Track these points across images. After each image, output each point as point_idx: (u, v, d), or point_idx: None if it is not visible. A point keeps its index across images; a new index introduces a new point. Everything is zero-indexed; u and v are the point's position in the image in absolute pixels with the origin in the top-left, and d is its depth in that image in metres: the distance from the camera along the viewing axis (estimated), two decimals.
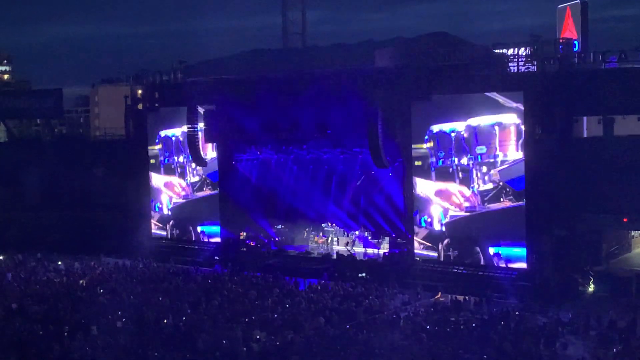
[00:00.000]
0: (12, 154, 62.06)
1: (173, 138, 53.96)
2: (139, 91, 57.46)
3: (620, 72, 39.89)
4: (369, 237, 48.26)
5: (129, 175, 55.19)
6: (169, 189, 54.72)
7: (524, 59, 40.89)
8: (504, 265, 40.51)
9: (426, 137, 42.65)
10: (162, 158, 54.86)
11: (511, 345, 28.22)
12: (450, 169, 42.12)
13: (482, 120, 40.80)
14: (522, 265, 39.97)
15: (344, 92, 43.44)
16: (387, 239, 47.13)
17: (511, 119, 39.96)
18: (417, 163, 43.25)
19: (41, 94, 70.87)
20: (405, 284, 40.89)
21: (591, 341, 30.06)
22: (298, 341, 29.50)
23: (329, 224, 50.15)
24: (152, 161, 55.26)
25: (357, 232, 49.02)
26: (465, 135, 41.40)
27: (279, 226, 52.10)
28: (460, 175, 41.79)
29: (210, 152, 52.17)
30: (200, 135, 50.88)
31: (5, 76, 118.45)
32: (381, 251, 46.75)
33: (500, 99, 40.15)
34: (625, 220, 40.74)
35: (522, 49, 41.33)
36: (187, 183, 53.76)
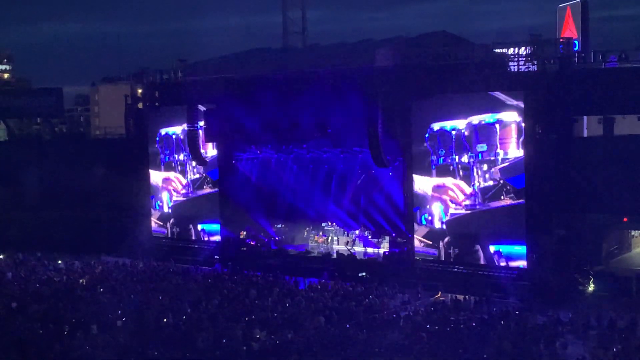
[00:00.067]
0: (12, 153, 62.05)
1: (173, 136, 53.98)
2: (139, 90, 57.49)
3: (621, 72, 39.91)
4: (369, 237, 48.26)
5: (129, 174, 55.17)
6: (167, 185, 54.72)
7: (524, 59, 40.87)
8: (504, 264, 40.50)
9: (427, 135, 42.65)
10: (162, 156, 54.89)
11: (511, 345, 28.23)
12: (451, 167, 42.13)
13: (483, 118, 40.81)
14: (523, 263, 39.96)
15: (344, 91, 43.43)
16: (387, 238, 47.14)
17: (512, 117, 39.97)
18: (418, 161, 43.24)
19: (41, 93, 70.87)
20: (405, 283, 40.87)
21: (591, 341, 30.07)
22: (298, 340, 29.52)
23: (329, 223, 50.15)
24: (154, 159, 55.35)
25: (357, 232, 49.02)
26: (466, 133, 41.41)
27: (279, 225, 52.11)
28: (461, 173, 41.81)
29: (210, 150, 52.17)
30: (201, 133, 50.87)
31: (6, 75, 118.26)
32: (381, 250, 46.75)
33: (501, 96, 40.16)
34: (625, 219, 40.77)
35: (523, 48, 41.32)
36: (187, 181, 53.76)
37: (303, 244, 50.60)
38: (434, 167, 42.68)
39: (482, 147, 41.01)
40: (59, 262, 48.96)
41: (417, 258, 43.48)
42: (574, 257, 39.80)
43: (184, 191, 54.00)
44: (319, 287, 40.17)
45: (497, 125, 40.47)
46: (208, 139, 51.16)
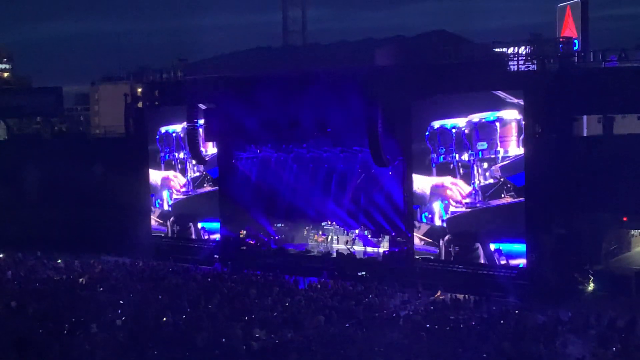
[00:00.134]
0: (12, 152, 62.08)
1: (173, 134, 54.00)
2: (139, 89, 57.51)
3: (621, 71, 39.90)
4: (369, 236, 48.28)
5: (129, 174, 55.18)
6: (167, 183, 54.74)
7: (524, 58, 40.86)
8: (504, 262, 40.50)
9: (427, 133, 42.66)
10: (162, 154, 54.92)
11: (511, 344, 28.22)
12: (451, 165, 42.14)
13: (483, 116, 40.82)
14: (523, 261, 39.98)
15: (344, 90, 43.42)
16: (387, 237, 47.16)
17: (512, 115, 39.98)
18: (418, 159, 43.24)
19: (41, 92, 70.88)
20: (405, 282, 40.88)
21: (591, 340, 30.03)
22: (298, 339, 29.51)
23: (329, 223, 50.19)
24: (154, 158, 55.38)
25: (357, 231, 49.05)
26: (467, 131, 41.42)
27: (279, 224, 52.13)
28: (461, 171, 41.82)
29: (210, 148, 52.17)
30: (201, 131, 50.87)
31: (5, 74, 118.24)
32: (381, 250, 46.76)
33: (502, 94, 40.19)
34: (625, 219, 40.80)
35: (522, 47, 41.31)
36: (186, 180, 53.77)
37: (303, 243, 50.63)
38: (434, 165, 42.69)
39: (482, 145, 41.03)
40: (59, 261, 48.97)
41: (417, 257, 43.50)
42: (574, 256, 39.83)
43: (184, 189, 54.02)
44: (319, 286, 40.18)
45: (497, 123, 40.49)
46: (208, 138, 51.18)
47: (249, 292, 37.99)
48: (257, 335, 30.14)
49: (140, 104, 56.83)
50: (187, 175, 53.68)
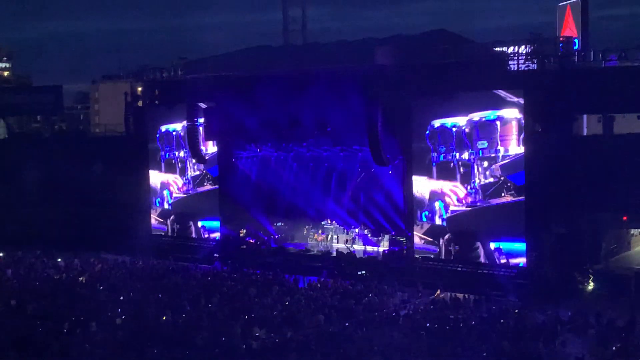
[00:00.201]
0: (12, 151, 62.09)
1: (174, 133, 54.00)
2: (139, 88, 57.51)
3: (621, 71, 39.90)
4: (369, 235, 48.27)
5: (129, 172, 55.20)
6: (166, 187, 54.77)
7: (524, 57, 40.85)
8: (504, 261, 40.49)
9: (427, 132, 42.66)
10: (162, 153, 54.92)
11: (510, 343, 28.22)
12: (452, 164, 42.14)
13: (483, 115, 40.81)
14: (523, 260, 39.96)
15: (344, 89, 43.41)
16: (386, 236, 47.16)
17: (512, 114, 39.97)
18: (418, 158, 43.25)
19: (41, 91, 71.00)
20: (405, 281, 40.89)
21: (590, 339, 30.04)
22: (297, 338, 29.51)
23: (329, 222, 50.17)
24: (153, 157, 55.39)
25: (356, 230, 49.03)
26: (467, 130, 41.42)
27: (279, 223, 52.13)
28: (462, 170, 41.82)
29: (210, 147, 52.16)
30: (201, 130, 50.86)
31: (5, 73, 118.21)
32: (381, 249, 46.76)
33: (502, 93, 40.16)
34: (624, 218, 40.82)
35: (522, 47, 41.28)
36: (183, 182, 53.77)
37: (303, 242, 50.62)
38: (434, 164, 42.69)
39: (482, 144, 41.04)
40: (59, 259, 48.94)
41: (417, 256, 43.50)
42: (574, 255, 39.83)
43: (184, 188, 54.03)
44: (319, 285, 40.18)
45: (497, 122, 40.48)
46: (208, 137, 51.18)
47: (249, 291, 38.00)
48: (257, 334, 30.15)
49: (140, 103, 56.82)
50: (187, 174, 53.68)
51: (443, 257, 42.67)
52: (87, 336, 30.25)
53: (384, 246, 46.89)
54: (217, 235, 52.25)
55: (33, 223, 56.03)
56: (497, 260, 40.79)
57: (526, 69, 40.76)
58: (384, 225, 47.16)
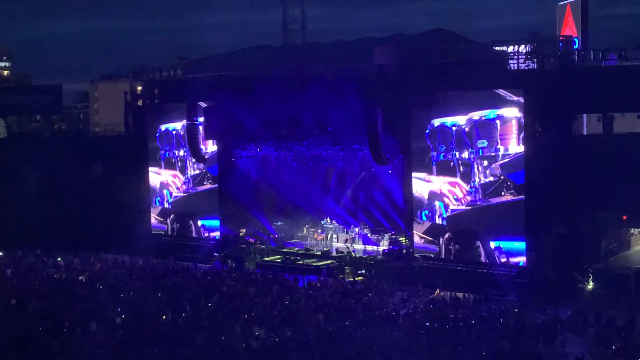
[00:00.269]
0: (11, 150, 62.05)
1: (173, 132, 53.97)
2: (139, 87, 57.52)
3: (620, 70, 39.91)
4: (369, 234, 48.26)
5: (128, 172, 55.20)
6: (167, 183, 54.76)
7: (524, 57, 40.86)
8: (505, 260, 40.49)
9: (427, 131, 42.66)
10: (162, 152, 54.91)
11: (510, 343, 28.24)
12: (452, 163, 42.13)
13: (483, 114, 40.80)
14: (523, 259, 39.94)
15: (344, 89, 43.39)
16: (386, 236, 47.15)
17: (512, 113, 39.95)
18: (418, 157, 43.25)
19: (41, 90, 71.03)
20: (405, 281, 40.90)
21: (590, 339, 30.07)
22: (297, 338, 29.52)
23: (329, 221, 50.15)
24: (152, 155, 55.36)
25: (356, 229, 49.03)
26: (467, 129, 41.40)
27: (279, 223, 52.12)
28: (462, 169, 41.81)
29: (210, 146, 52.14)
30: (200, 129, 50.84)
31: (5, 72, 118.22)
32: (380, 248, 46.75)
33: (502, 92, 40.14)
34: (624, 217, 40.84)
35: (522, 46, 41.30)
36: (183, 181, 53.75)
37: (302, 241, 50.58)
38: (434, 163, 42.68)
39: (482, 142, 41.03)
40: (58, 259, 48.97)
41: (417, 256, 43.50)
42: (573, 255, 39.85)
43: (184, 187, 54.02)
44: (318, 284, 40.18)
45: (497, 121, 40.46)
46: (207, 136, 51.16)
47: (249, 291, 38.00)
48: (257, 334, 30.16)
49: (139, 102, 56.81)
50: (187, 173, 53.67)
51: (443, 256, 42.66)
52: (87, 336, 30.26)
53: (383, 245, 46.86)
54: (217, 234, 52.25)
55: (33, 222, 56.04)
56: (497, 260, 40.78)
57: (526, 68, 40.77)
58: (384, 224, 47.15)
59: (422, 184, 43.10)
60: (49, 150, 59.38)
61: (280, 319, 32.46)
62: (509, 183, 40.35)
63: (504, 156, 40.46)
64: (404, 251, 44.54)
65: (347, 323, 31.97)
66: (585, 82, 39.71)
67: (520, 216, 39.98)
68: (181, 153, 53.78)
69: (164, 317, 33.02)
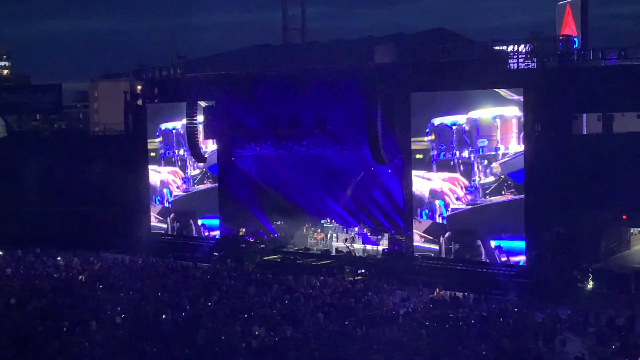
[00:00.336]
0: (11, 149, 62.04)
1: (173, 131, 53.96)
2: (139, 87, 57.53)
3: (620, 70, 39.93)
4: (368, 234, 48.25)
5: (128, 171, 55.20)
6: (167, 182, 54.77)
7: (523, 56, 40.88)
8: (505, 259, 40.51)
9: (427, 130, 42.66)
10: (162, 151, 54.91)
11: (509, 342, 28.24)
12: (452, 162, 42.14)
13: (483, 113, 40.80)
14: (524, 258, 39.97)
15: (344, 88, 43.42)
16: (386, 235, 47.15)
17: (513, 112, 39.96)
18: (418, 156, 43.22)
19: (40, 89, 70.98)
20: (404, 280, 40.91)
21: (590, 338, 30.10)
22: (297, 337, 29.52)
23: (328, 220, 50.14)
24: (152, 154, 55.33)
25: (356, 229, 49.01)
26: (467, 128, 41.41)
27: (278, 222, 52.10)
28: (462, 168, 41.81)
29: (210, 145, 52.13)
30: (200, 128, 50.83)
31: (5, 71, 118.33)
32: (380, 248, 46.76)
33: (502, 91, 40.15)
34: (624, 217, 40.89)
35: (522, 45, 41.31)
36: (183, 179, 53.73)
37: (302, 241, 50.58)
38: (434, 162, 42.69)
39: (482, 142, 41.04)
40: (58, 258, 48.95)
41: (416, 255, 43.51)
42: (573, 254, 39.86)
43: (184, 186, 54.02)
44: (318, 284, 40.17)
45: (497, 120, 40.48)
46: (207, 135, 51.16)
47: (248, 290, 38.00)
48: (256, 333, 30.16)
49: (139, 102, 56.82)
50: (187, 172, 53.67)
51: (443, 256, 42.68)
52: (86, 335, 30.24)
53: (383, 245, 46.86)
54: (217, 233, 52.27)
55: (32, 222, 56.07)
56: (497, 259, 40.80)
57: (526, 67, 40.80)
58: (384, 223, 47.15)
59: (423, 182, 43.10)
60: (49, 150, 59.36)
61: (280, 318, 32.46)
62: (509, 182, 40.36)
63: (504, 155, 40.46)
64: (404, 251, 44.53)
65: (346, 322, 31.96)
66: (585, 81, 39.73)
67: (520, 215, 40.00)
68: (181, 152, 53.77)
69: (163, 316, 33.01)
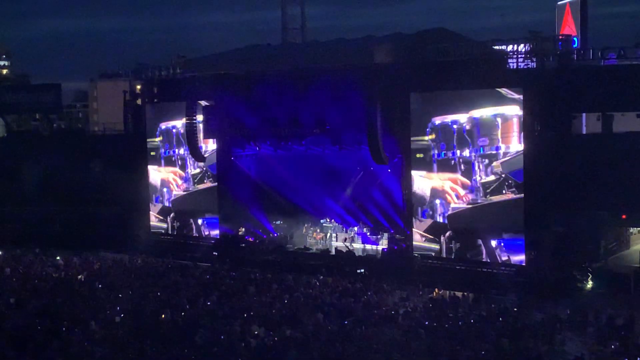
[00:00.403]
0: (10, 149, 62.03)
1: (174, 130, 53.94)
2: (138, 86, 57.49)
3: (620, 69, 39.95)
4: (368, 233, 48.25)
5: (128, 170, 55.17)
6: (166, 185, 54.77)
7: (523, 56, 40.89)
8: (506, 258, 40.50)
9: (428, 129, 42.66)
10: (162, 150, 54.89)
11: (509, 342, 28.23)
12: (452, 161, 42.14)
13: (484, 112, 40.81)
14: (524, 257, 39.99)
15: (343, 88, 43.43)
16: (385, 235, 47.15)
17: (513, 111, 39.96)
18: (419, 155, 43.22)
19: (40, 89, 70.92)
20: (404, 280, 40.88)
21: (589, 337, 30.09)
22: (296, 337, 29.50)
23: (328, 220, 50.14)
24: (152, 153, 55.32)
25: (355, 228, 49.02)
26: (467, 127, 41.41)
27: (278, 222, 52.09)
28: (463, 167, 41.81)
29: (210, 144, 52.11)
30: (200, 127, 50.82)
31: (4, 71, 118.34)
32: (380, 247, 46.75)
33: (503, 90, 40.14)
34: (623, 217, 40.84)
35: (522, 45, 41.32)
36: (183, 179, 53.71)
37: (301, 240, 50.59)
38: (435, 161, 42.68)
39: (483, 141, 41.04)
40: (58, 257, 48.91)
41: (416, 254, 43.51)
42: (573, 254, 39.85)
43: (184, 185, 54.00)
44: (317, 283, 40.15)
45: (498, 119, 40.49)
46: (207, 135, 51.15)
47: (248, 290, 37.99)
48: (256, 332, 30.14)
49: (139, 101, 56.81)
50: (188, 171, 53.65)
51: (444, 255, 42.69)
52: (86, 334, 30.22)
53: (383, 244, 46.86)
54: (216, 232, 52.25)
55: (32, 221, 56.02)
56: (498, 258, 40.81)
57: (525, 67, 40.80)
58: (383, 223, 47.15)
59: (424, 181, 43.08)
60: (48, 149, 59.31)
61: (279, 318, 32.45)
62: (510, 181, 40.37)
63: (504, 154, 40.47)
64: (403, 250, 44.51)
65: (346, 322, 31.94)
66: (585, 81, 39.75)
67: (521, 214, 39.99)
68: (181, 151, 53.74)
69: (163, 315, 33.00)
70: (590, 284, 39.16)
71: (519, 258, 40.18)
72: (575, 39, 45.48)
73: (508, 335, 29.25)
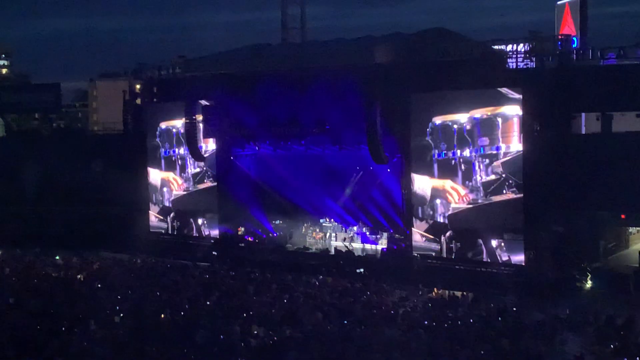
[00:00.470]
0: (10, 149, 62.00)
1: (174, 130, 53.94)
2: (138, 86, 57.49)
3: (619, 69, 39.98)
4: (367, 233, 48.28)
5: (128, 170, 55.16)
6: (166, 184, 54.76)
7: (522, 55, 40.91)
8: (506, 258, 40.52)
9: (428, 129, 42.67)
10: (162, 150, 54.89)
11: (508, 342, 28.23)
12: (453, 161, 42.15)
13: (484, 112, 40.81)
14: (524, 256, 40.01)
15: (343, 88, 43.42)
16: (385, 234, 47.18)
17: (514, 110, 39.96)
18: (419, 155, 43.19)
19: (40, 89, 70.91)
20: (404, 279, 40.91)
21: (589, 337, 30.07)
22: (296, 336, 29.51)
23: (327, 220, 50.16)
24: (152, 153, 55.28)
25: (355, 228, 49.05)
26: (468, 127, 41.42)
27: (277, 222, 52.11)
28: (463, 167, 41.82)
29: (211, 144, 52.11)
30: (200, 127, 50.82)
31: (4, 70, 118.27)
32: (379, 247, 46.77)
33: (503, 90, 40.15)
34: (623, 216, 40.87)
35: (521, 45, 41.34)
36: (183, 180, 53.71)
37: (301, 240, 50.62)
38: (435, 161, 42.69)
39: (483, 141, 41.05)
40: (57, 257, 48.92)
41: (416, 254, 43.53)
42: (572, 253, 39.86)
43: (184, 185, 54.01)
44: (317, 283, 40.16)
45: (498, 119, 40.49)
46: (206, 135, 51.17)
47: (247, 289, 38.00)
48: (256, 332, 30.14)
49: (138, 101, 56.82)
50: (188, 171, 53.66)
51: (444, 255, 42.70)
52: (85, 334, 30.21)
53: (382, 244, 46.88)
54: (216, 232, 52.26)
55: (31, 221, 56.03)
56: (499, 258, 40.82)
57: (525, 67, 40.83)
58: (383, 223, 47.17)
59: (425, 181, 43.09)
60: (48, 149, 59.28)
61: (279, 318, 32.45)
62: (510, 181, 40.37)
63: (505, 154, 40.48)
64: (403, 250, 44.53)
65: (345, 322, 31.95)
66: (584, 81, 39.77)
67: (520, 215, 40.00)
68: (181, 151, 53.74)
69: (162, 315, 33.01)
70: (589, 284, 39.18)
71: (520, 258, 40.18)
72: (574, 38, 45.49)
73: (508, 335, 29.25)
